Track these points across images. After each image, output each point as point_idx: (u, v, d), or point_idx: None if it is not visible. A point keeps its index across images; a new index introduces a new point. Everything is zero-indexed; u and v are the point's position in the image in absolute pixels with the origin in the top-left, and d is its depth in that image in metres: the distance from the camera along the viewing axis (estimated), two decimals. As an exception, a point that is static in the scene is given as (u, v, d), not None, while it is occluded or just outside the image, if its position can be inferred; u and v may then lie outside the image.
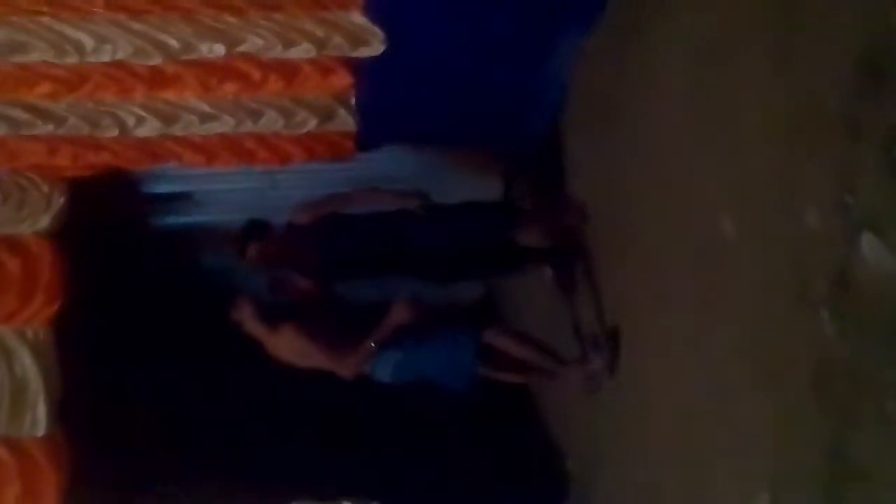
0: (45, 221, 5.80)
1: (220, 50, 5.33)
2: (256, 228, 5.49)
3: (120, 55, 5.32)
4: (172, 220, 6.76)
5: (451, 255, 5.56)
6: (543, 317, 6.29)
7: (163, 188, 6.46)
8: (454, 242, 5.51)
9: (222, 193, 6.41)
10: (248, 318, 5.14)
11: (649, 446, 4.61)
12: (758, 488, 3.43)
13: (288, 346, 5.07)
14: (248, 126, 5.71)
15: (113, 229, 6.44)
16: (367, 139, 5.88)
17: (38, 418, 5.64)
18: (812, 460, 3.04)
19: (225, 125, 5.69)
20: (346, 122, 5.78)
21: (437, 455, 6.63)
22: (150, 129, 5.66)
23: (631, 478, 4.92)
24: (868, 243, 2.76)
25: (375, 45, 5.35)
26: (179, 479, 6.30)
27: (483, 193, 6.14)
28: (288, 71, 5.46)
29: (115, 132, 5.66)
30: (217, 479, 6.39)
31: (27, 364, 5.66)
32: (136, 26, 5.29)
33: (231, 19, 5.29)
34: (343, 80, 5.51)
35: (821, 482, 2.99)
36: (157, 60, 5.37)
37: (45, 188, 5.82)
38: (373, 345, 5.02)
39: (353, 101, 5.71)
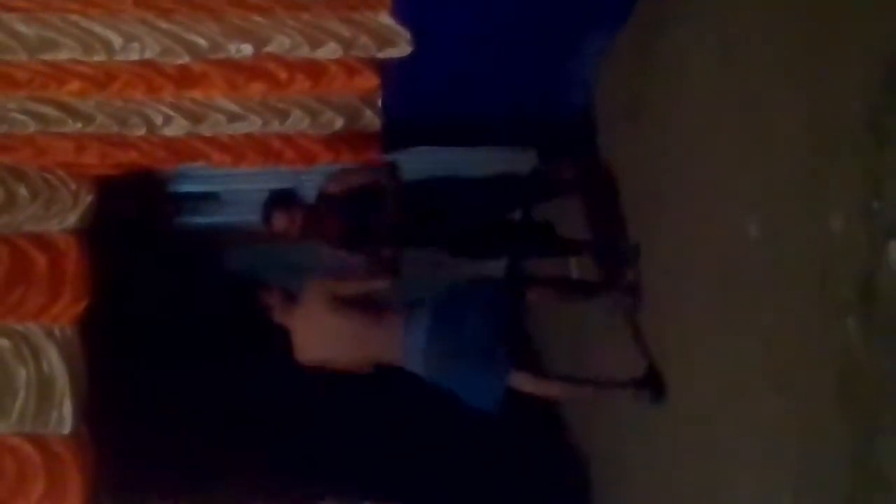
0: (72, 219, 5.84)
1: (247, 49, 5.34)
2: (282, 197, 5.40)
3: (148, 54, 5.34)
4: (199, 219, 6.77)
5: (484, 230, 5.56)
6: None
7: (189, 187, 6.47)
8: (488, 215, 5.54)
9: (248, 193, 6.40)
10: (276, 298, 5.03)
11: (671, 453, 4.58)
12: (780, 496, 3.40)
13: (318, 309, 4.88)
14: (275, 126, 5.73)
15: (140, 228, 6.47)
16: (393, 140, 5.88)
17: (64, 416, 5.67)
18: (835, 468, 3.01)
19: (252, 125, 5.71)
20: (372, 122, 5.78)
21: (459, 458, 6.61)
22: (177, 128, 5.69)
23: (653, 485, 4.89)
24: (894, 249, 2.72)
25: (402, 46, 5.35)
26: (203, 479, 6.32)
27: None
28: (315, 71, 5.47)
29: (142, 131, 5.70)
30: (240, 480, 6.41)
31: (54, 361, 5.69)
32: (165, 25, 5.32)
33: (259, 19, 5.31)
34: (369, 80, 5.51)
35: (844, 490, 2.97)
36: (184, 59, 5.39)
37: (73, 186, 5.86)
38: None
39: (379, 101, 5.72)
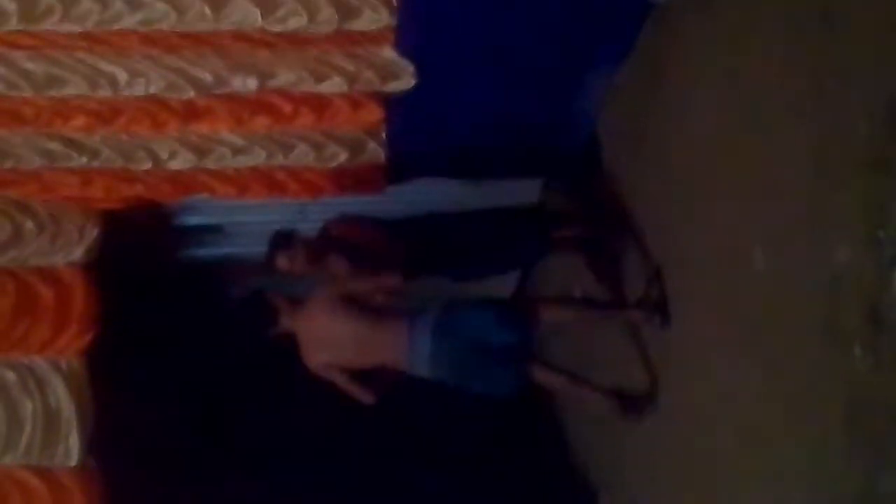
0: (78, 253, 5.86)
1: (252, 84, 5.38)
2: (282, 237, 5.52)
3: (153, 89, 5.37)
4: (204, 251, 6.80)
5: (485, 253, 5.66)
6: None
7: (194, 220, 6.50)
8: (488, 242, 5.64)
9: (253, 225, 6.44)
10: (281, 303, 5.09)
11: (682, 483, 4.59)
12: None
13: (322, 313, 4.96)
14: (280, 159, 5.75)
15: (145, 260, 6.49)
16: (397, 172, 5.92)
17: (70, 448, 5.66)
18: (844, 498, 3.03)
19: (257, 158, 5.74)
20: (376, 155, 5.82)
21: (467, 480, 6.61)
22: (182, 161, 5.72)
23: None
24: (899, 279, 2.76)
25: (406, 80, 5.39)
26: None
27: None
28: (319, 105, 5.50)
29: (148, 165, 5.72)
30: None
31: (60, 394, 5.69)
32: (170, 61, 5.35)
33: (263, 54, 5.34)
34: (374, 113, 5.54)
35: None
36: (189, 94, 5.42)
37: (79, 220, 5.89)
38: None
39: (383, 134, 5.75)
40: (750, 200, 3.81)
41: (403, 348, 4.87)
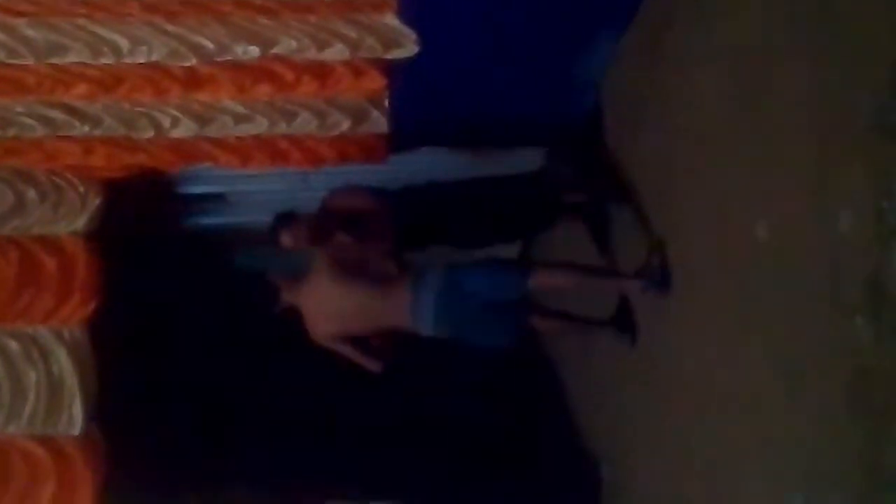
0: (81, 222, 5.87)
1: (254, 51, 5.34)
2: (284, 217, 5.62)
3: (155, 56, 5.34)
4: (206, 220, 6.79)
5: (488, 221, 5.70)
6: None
7: (197, 189, 6.49)
8: (492, 209, 5.66)
9: (255, 194, 6.44)
10: (284, 284, 5.14)
11: (682, 452, 4.59)
12: (791, 495, 3.41)
13: (325, 282, 4.99)
14: (282, 127, 5.74)
15: (147, 229, 6.49)
16: (400, 141, 5.89)
17: (74, 417, 5.69)
18: (846, 467, 3.02)
19: (259, 126, 5.73)
20: (379, 123, 5.79)
21: (465, 459, 6.63)
22: (185, 130, 5.71)
23: (664, 483, 4.90)
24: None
25: (409, 47, 5.35)
26: (210, 479, 6.35)
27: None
28: (321, 72, 5.47)
29: (150, 133, 5.72)
30: (247, 480, 6.44)
31: (63, 363, 5.71)
32: (171, 28, 5.32)
33: (265, 21, 5.30)
34: (376, 81, 5.51)
35: (855, 489, 2.98)
36: (191, 62, 5.39)
37: (81, 188, 5.89)
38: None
39: (386, 102, 5.73)
40: (752, 169, 3.77)
41: (407, 311, 4.92)
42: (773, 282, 3.58)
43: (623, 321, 5.21)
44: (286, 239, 5.54)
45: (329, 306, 5.00)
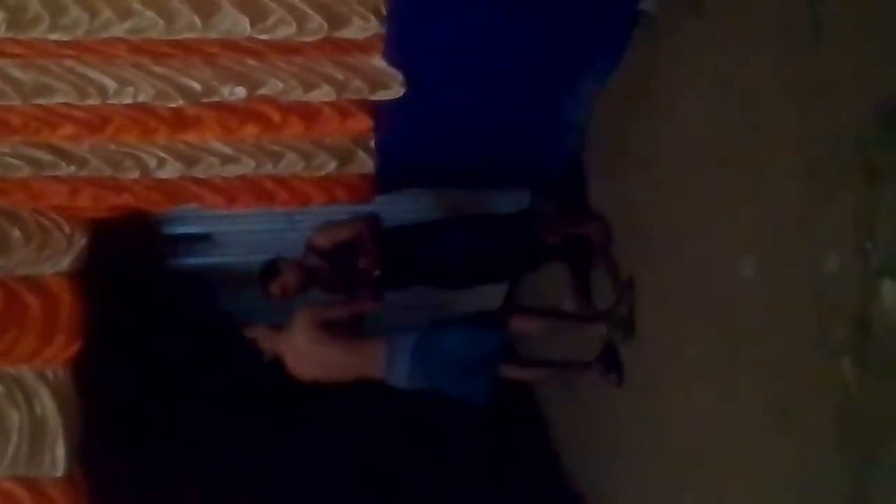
0: (66, 262, 5.83)
1: (241, 92, 5.36)
2: (268, 267, 5.63)
3: (142, 97, 5.35)
4: (192, 260, 6.78)
5: (474, 263, 5.71)
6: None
7: (183, 229, 6.49)
8: (478, 250, 5.67)
9: (242, 235, 6.45)
10: (261, 333, 5.34)
11: (668, 489, 4.60)
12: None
13: (304, 340, 5.16)
14: (269, 168, 5.73)
15: (133, 270, 6.47)
16: (386, 181, 5.91)
17: (56, 458, 5.64)
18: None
19: (245, 167, 5.71)
20: (365, 164, 5.80)
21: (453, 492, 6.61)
22: (171, 170, 5.69)
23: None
24: (887, 289, 2.76)
25: (395, 89, 5.38)
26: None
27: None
28: (308, 113, 5.48)
29: (136, 174, 5.70)
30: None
31: (47, 404, 5.67)
32: (158, 69, 5.33)
33: (252, 62, 5.32)
34: (363, 122, 5.53)
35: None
36: (178, 103, 5.40)
37: (67, 229, 5.86)
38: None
39: (372, 143, 5.74)
40: (739, 208, 3.81)
41: (381, 366, 5.15)
42: (760, 319, 3.61)
43: (609, 361, 5.25)
44: (276, 289, 5.57)
45: (307, 361, 5.23)
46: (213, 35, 5.15)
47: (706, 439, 4.13)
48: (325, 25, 5.09)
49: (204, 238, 6.66)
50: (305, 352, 5.19)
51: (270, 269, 5.61)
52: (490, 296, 6.46)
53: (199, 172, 5.72)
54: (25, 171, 5.63)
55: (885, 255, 2.79)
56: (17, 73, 5.21)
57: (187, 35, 5.17)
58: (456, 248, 5.61)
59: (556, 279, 6.04)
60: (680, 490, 4.44)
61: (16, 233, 5.83)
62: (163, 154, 5.66)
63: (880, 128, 2.83)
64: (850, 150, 2.98)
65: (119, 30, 5.08)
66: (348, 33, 5.17)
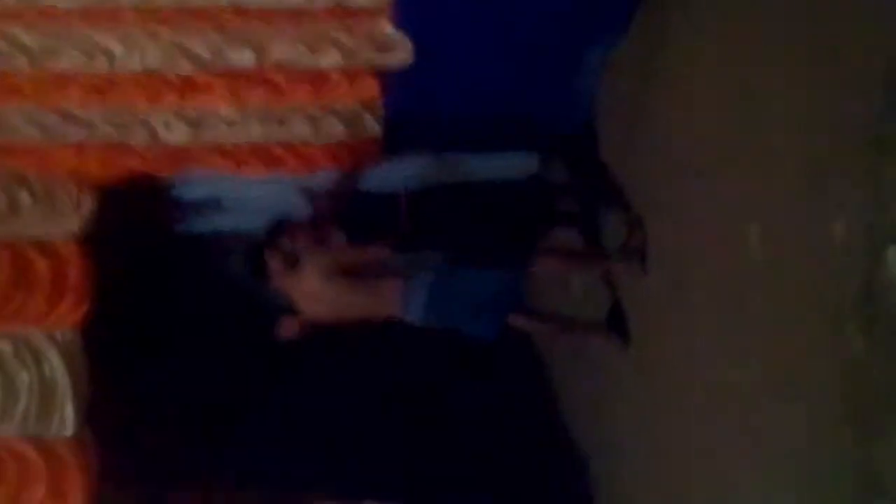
0: (74, 225, 5.85)
1: (249, 58, 5.38)
2: (276, 228, 5.33)
3: (149, 62, 5.38)
4: (200, 225, 6.78)
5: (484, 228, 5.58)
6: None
7: (191, 194, 6.48)
8: (487, 217, 5.56)
9: (250, 200, 6.45)
10: (278, 265, 5.14)
11: (675, 454, 4.64)
12: (783, 499, 3.46)
13: (317, 283, 5.04)
14: (277, 133, 5.75)
15: (142, 234, 6.49)
16: (393, 146, 5.92)
17: (66, 419, 5.69)
18: (838, 474, 3.07)
19: (253, 132, 5.74)
20: (373, 129, 5.81)
21: (459, 461, 6.64)
22: (179, 135, 5.71)
23: (656, 486, 4.95)
24: (893, 258, 2.78)
25: (403, 55, 5.40)
26: (202, 477, 6.36)
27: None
28: (316, 79, 5.52)
29: (144, 138, 5.72)
30: (239, 478, 6.45)
31: (55, 365, 5.71)
32: (166, 34, 5.36)
33: (260, 27, 5.35)
34: (371, 88, 5.56)
35: (846, 494, 3.03)
36: (186, 68, 5.43)
37: (75, 192, 5.88)
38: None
39: (380, 109, 5.75)
40: (747, 177, 3.82)
41: (398, 304, 5.03)
42: (767, 288, 3.63)
43: (615, 322, 5.27)
44: (274, 262, 5.21)
45: (319, 301, 5.09)
46: (222, 1, 5.17)
47: (712, 405, 4.16)
48: (334, -10, 5.12)
49: (213, 203, 6.66)
50: (316, 292, 5.06)
51: (278, 229, 5.32)
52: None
53: (207, 137, 5.74)
54: (34, 136, 5.65)
55: (892, 224, 2.82)
56: (25, 37, 5.24)
57: (196, 1, 5.19)
58: (465, 213, 5.54)
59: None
60: (686, 454, 4.49)
61: (24, 196, 5.85)
62: (171, 118, 5.68)
63: (888, 97, 2.85)
64: (858, 117, 3.00)
65: (128, -6, 5.11)
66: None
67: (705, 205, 4.25)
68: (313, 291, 5.08)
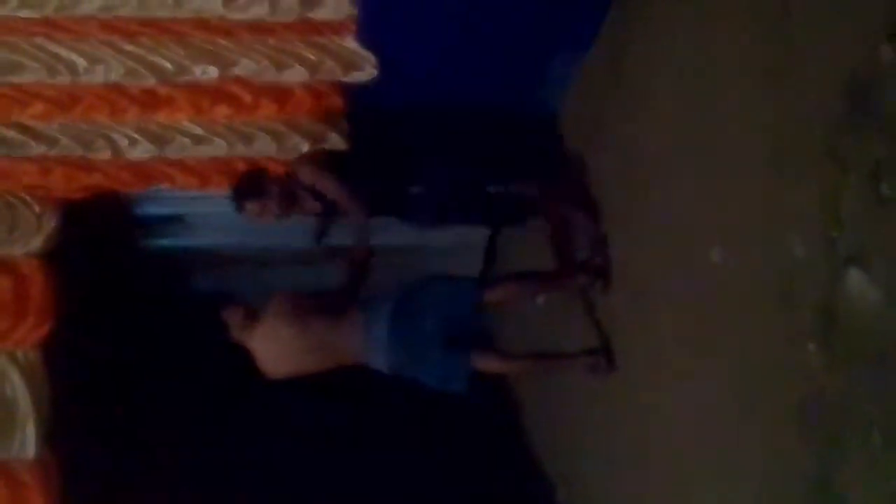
0: (36, 242, 5.78)
1: (213, 72, 5.35)
2: (251, 181, 5.16)
3: (113, 76, 5.34)
4: (164, 242, 6.74)
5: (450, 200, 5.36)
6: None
7: (155, 210, 6.44)
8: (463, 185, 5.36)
9: (214, 216, 6.39)
10: (235, 317, 4.95)
11: (637, 473, 4.62)
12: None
13: (280, 324, 4.87)
14: (241, 149, 5.69)
15: (105, 251, 6.44)
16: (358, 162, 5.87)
17: (27, 440, 5.62)
18: (796, 490, 3.04)
19: (218, 148, 5.68)
20: (338, 145, 5.77)
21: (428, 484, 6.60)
22: (142, 150, 5.66)
23: (617, 499, 4.95)
24: (853, 277, 2.75)
25: (367, 70, 5.38)
26: (176, 493, 6.28)
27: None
28: (280, 95, 5.48)
29: (107, 154, 5.66)
30: (214, 492, 6.38)
31: (17, 385, 5.64)
32: (129, 48, 5.33)
33: (224, 42, 5.32)
34: (335, 103, 5.53)
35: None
36: (149, 82, 5.40)
37: (37, 209, 5.80)
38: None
39: (344, 125, 5.70)
40: (708, 192, 3.80)
41: (361, 337, 4.86)
42: (728, 305, 3.60)
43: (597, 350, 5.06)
44: (252, 208, 5.08)
45: (284, 348, 4.89)
46: (185, 14, 5.16)
47: (672, 425, 4.13)
48: (298, 6, 5.10)
49: (176, 219, 6.61)
50: (280, 337, 4.86)
51: (253, 183, 5.14)
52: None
53: (170, 153, 5.69)
54: (-5, 151, 5.59)
55: (852, 242, 2.79)
56: (-15, 51, 5.18)
57: (159, 14, 5.18)
58: (443, 179, 5.31)
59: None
60: (647, 469, 4.46)
61: (-14, 214, 5.78)
62: (134, 134, 5.64)
63: (847, 113, 2.82)
64: (818, 134, 2.97)
65: (90, 7, 5.08)
66: (321, 14, 5.19)
67: (665, 220, 4.23)
68: (276, 337, 4.89)
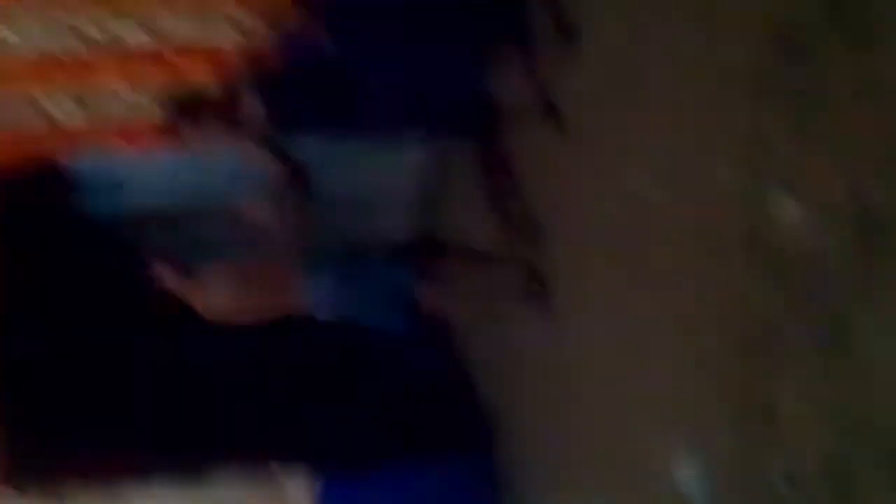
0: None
1: (144, 38, 5.34)
2: (186, 104, 4.80)
3: (43, 46, 5.31)
4: (103, 207, 6.70)
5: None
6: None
7: (91, 175, 6.41)
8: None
9: (151, 177, 6.37)
10: (171, 274, 4.91)
11: (573, 398, 4.72)
12: (678, 438, 3.58)
13: (218, 301, 4.91)
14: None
15: (43, 220, 6.40)
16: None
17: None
18: (735, 412, 3.16)
19: (151, 112, 5.67)
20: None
21: (362, 416, 6.57)
22: (74, 117, 5.64)
23: (554, 430, 5.05)
24: (775, 199, 2.88)
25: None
26: (100, 446, 6.23)
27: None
28: (212, 57, 5.48)
29: (39, 122, 5.64)
30: (139, 448, 6.39)
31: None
32: (57, 16, 5.29)
33: (156, 8, 5.31)
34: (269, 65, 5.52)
35: (744, 432, 3.13)
36: (80, 50, 5.37)
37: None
38: None
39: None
40: (637, 128, 3.88)
41: (305, 303, 4.93)
42: (660, 233, 3.70)
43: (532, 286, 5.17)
44: (187, 132, 4.79)
45: (223, 309, 4.94)
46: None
47: (610, 355, 4.25)
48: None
49: (113, 183, 6.58)
50: (219, 303, 4.90)
51: (187, 107, 4.82)
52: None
53: (103, 117, 5.66)
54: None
55: (773, 167, 2.91)
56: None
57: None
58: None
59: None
60: (586, 403, 4.57)
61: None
62: (66, 101, 5.60)
63: (773, 44, 2.93)
64: (743, 63, 3.07)
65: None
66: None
67: (598, 162, 4.32)
68: (216, 303, 4.92)
